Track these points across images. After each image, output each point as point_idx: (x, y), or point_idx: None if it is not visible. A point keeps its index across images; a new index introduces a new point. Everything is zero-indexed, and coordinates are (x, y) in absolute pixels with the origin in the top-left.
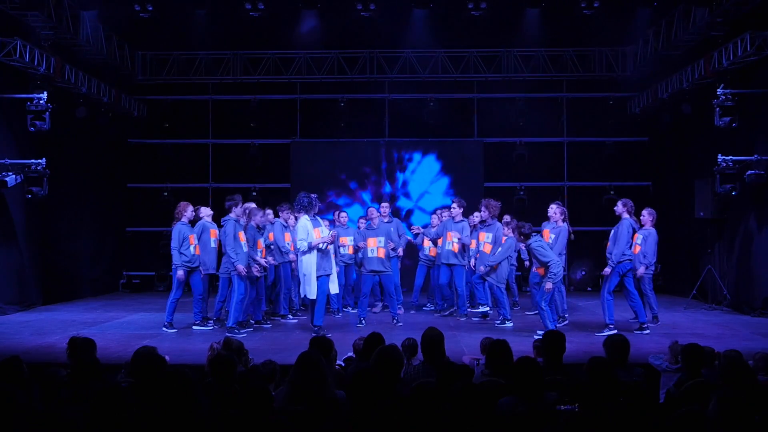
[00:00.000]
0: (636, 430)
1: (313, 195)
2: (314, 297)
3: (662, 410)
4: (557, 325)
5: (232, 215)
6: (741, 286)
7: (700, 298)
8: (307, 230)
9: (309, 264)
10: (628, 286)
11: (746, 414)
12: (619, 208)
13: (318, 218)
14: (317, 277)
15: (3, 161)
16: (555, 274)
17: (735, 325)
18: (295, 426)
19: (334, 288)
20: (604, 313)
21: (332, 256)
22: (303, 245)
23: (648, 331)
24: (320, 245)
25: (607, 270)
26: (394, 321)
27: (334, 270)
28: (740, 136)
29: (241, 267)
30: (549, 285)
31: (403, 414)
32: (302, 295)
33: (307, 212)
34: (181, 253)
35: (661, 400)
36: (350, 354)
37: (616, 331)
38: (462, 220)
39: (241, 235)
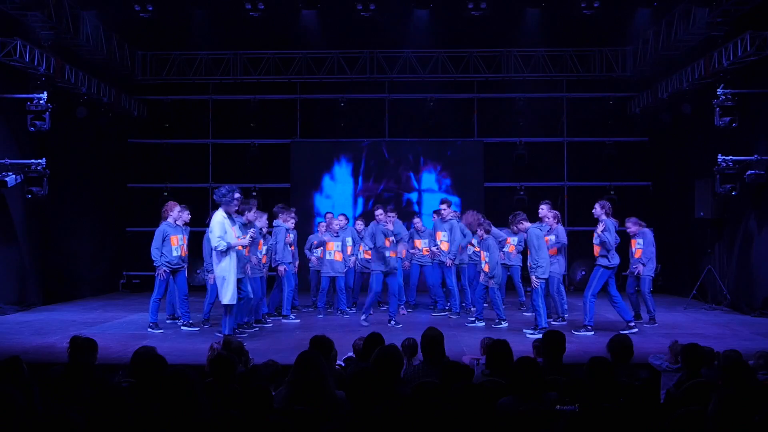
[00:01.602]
0: (636, 430)
1: (237, 194)
2: (232, 303)
3: (662, 410)
4: (552, 323)
5: (249, 216)
6: (741, 286)
7: (700, 298)
8: (224, 228)
9: (227, 267)
10: (609, 290)
11: (746, 414)
12: (597, 210)
13: (236, 217)
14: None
15: (3, 161)
16: (540, 268)
17: (735, 325)
18: (295, 426)
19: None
20: (585, 314)
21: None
22: (222, 244)
23: (636, 330)
24: (238, 246)
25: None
26: (390, 322)
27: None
28: (740, 136)
29: (254, 259)
30: (534, 281)
31: (403, 414)
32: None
33: (226, 206)
34: (162, 254)
35: (661, 400)
36: (350, 354)
37: (593, 333)
38: (450, 220)
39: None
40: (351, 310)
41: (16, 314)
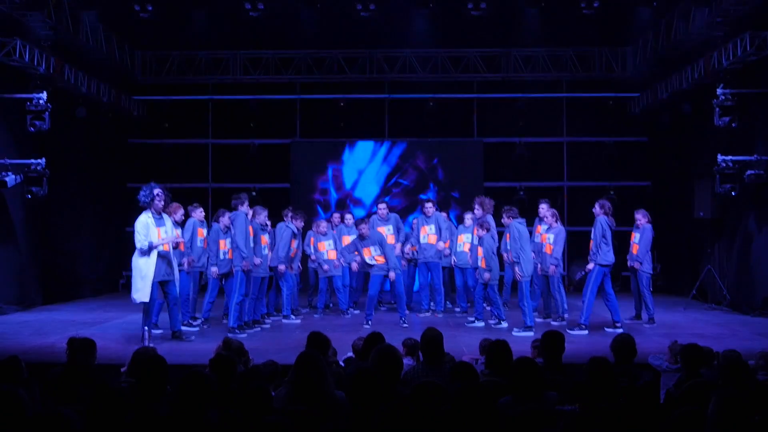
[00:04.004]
0: (636, 430)
1: (157, 190)
2: (146, 300)
3: (662, 410)
4: (552, 323)
5: (243, 208)
6: (741, 286)
7: (700, 298)
8: (148, 228)
9: (145, 266)
10: (605, 287)
11: (746, 414)
12: (597, 209)
13: (165, 216)
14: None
15: (3, 161)
16: (524, 265)
17: (735, 325)
18: (295, 426)
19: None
20: (581, 313)
21: (173, 260)
22: (144, 244)
23: (621, 331)
24: (161, 246)
25: (589, 266)
26: (402, 321)
27: (177, 275)
28: (740, 136)
29: (257, 260)
30: (518, 272)
31: (403, 414)
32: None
33: (148, 208)
34: None
35: (661, 400)
36: (350, 354)
37: (587, 332)
38: (433, 216)
39: (251, 229)
40: (353, 310)
41: (15, 314)
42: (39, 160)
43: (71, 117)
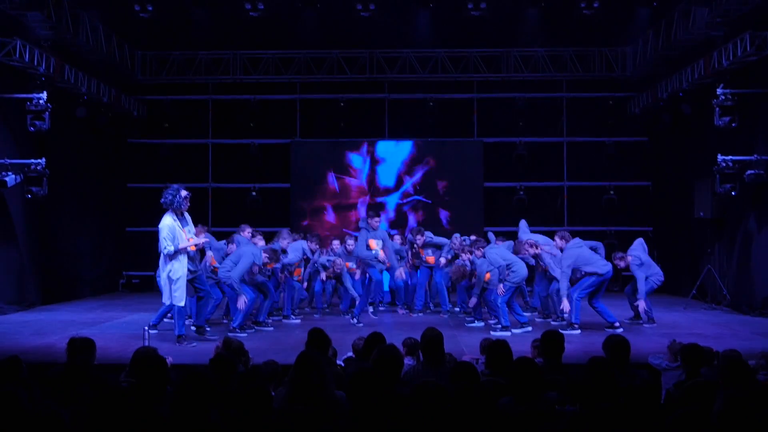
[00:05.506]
0: (636, 430)
1: (184, 192)
2: (181, 304)
3: (662, 410)
4: (552, 323)
5: (281, 242)
6: (741, 286)
7: (700, 298)
8: (174, 232)
9: (180, 269)
10: (592, 300)
11: (753, 414)
12: (557, 242)
13: (187, 216)
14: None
15: (3, 161)
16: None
17: (735, 325)
18: (295, 426)
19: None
20: (570, 313)
21: (197, 257)
22: (169, 248)
23: (620, 330)
24: (189, 247)
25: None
26: (351, 316)
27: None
28: (740, 136)
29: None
30: (501, 288)
31: (403, 414)
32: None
33: (172, 210)
34: None
35: (662, 400)
36: (350, 354)
37: (579, 331)
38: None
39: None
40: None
41: (15, 314)
42: (39, 160)
43: (71, 117)
